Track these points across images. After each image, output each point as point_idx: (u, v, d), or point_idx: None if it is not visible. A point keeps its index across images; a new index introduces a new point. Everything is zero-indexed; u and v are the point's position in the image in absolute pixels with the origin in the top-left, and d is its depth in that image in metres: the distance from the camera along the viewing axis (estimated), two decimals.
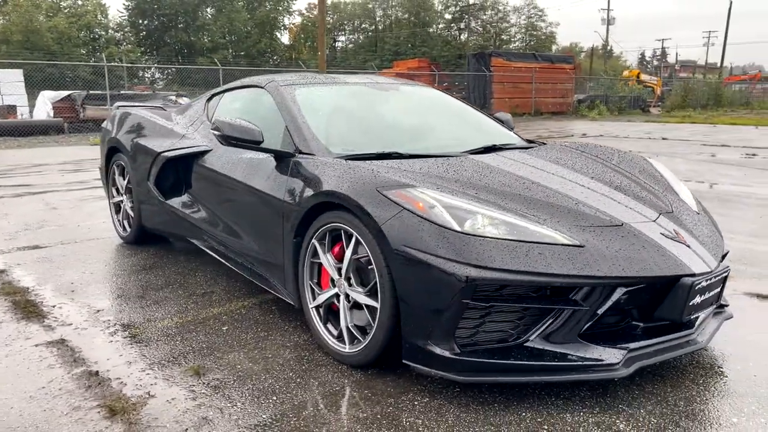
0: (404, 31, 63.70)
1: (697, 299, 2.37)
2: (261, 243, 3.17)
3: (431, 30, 64.75)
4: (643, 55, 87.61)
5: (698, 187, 7.36)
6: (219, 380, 2.51)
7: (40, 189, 7.38)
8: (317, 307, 2.80)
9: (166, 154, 3.94)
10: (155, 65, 48.29)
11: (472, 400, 2.34)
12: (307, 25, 64.46)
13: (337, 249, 2.69)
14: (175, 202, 4.01)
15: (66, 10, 50.29)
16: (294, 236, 2.84)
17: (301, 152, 3.05)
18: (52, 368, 2.61)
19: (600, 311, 2.27)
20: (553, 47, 66.87)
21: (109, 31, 54.18)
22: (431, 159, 3.00)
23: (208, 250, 3.80)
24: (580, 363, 2.25)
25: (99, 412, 2.26)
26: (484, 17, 65.26)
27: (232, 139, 3.06)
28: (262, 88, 3.70)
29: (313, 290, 2.82)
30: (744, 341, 2.87)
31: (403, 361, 2.38)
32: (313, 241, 2.74)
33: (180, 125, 4.26)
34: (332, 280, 2.70)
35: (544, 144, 3.75)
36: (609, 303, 2.27)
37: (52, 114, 16.57)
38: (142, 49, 53.96)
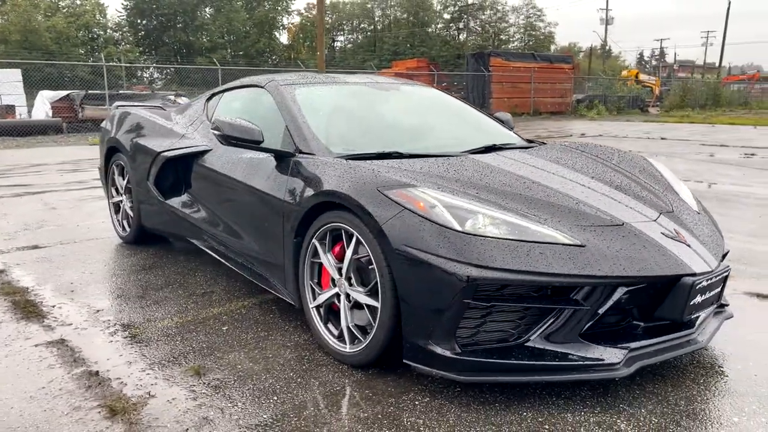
0: (403, 30, 63.70)
1: (698, 299, 2.37)
2: (261, 243, 3.17)
3: (430, 30, 64.76)
4: (641, 54, 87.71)
5: (697, 186, 7.36)
6: (219, 380, 2.50)
7: (38, 189, 7.38)
8: (318, 307, 2.80)
9: (165, 153, 3.94)
10: (154, 65, 48.24)
11: (473, 400, 2.34)
12: (305, 24, 64.45)
13: (337, 249, 2.68)
14: (175, 201, 4.00)
15: (64, 10, 50.24)
16: (294, 236, 2.83)
17: (301, 152, 3.05)
18: (52, 368, 2.61)
19: (601, 311, 2.27)
20: (552, 47, 66.90)
21: (108, 30, 54.11)
22: (431, 159, 3.00)
23: (208, 250, 3.80)
24: (581, 363, 2.25)
25: (99, 412, 2.25)
26: (483, 17, 65.28)
27: (232, 138, 3.06)
28: (261, 87, 3.70)
29: (313, 290, 2.82)
30: (744, 341, 2.88)
31: (404, 360, 2.38)
32: (314, 240, 2.74)
33: (179, 125, 4.26)
34: (333, 280, 2.70)
35: (544, 144, 3.75)
36: (610, 302, 2.27)
37: (50, 114, 16.56)
38: (141, 48, 53.92)
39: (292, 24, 65.63)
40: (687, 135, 15.70)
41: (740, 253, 4.30)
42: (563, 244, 2.28)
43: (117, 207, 4.80)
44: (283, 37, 65.44)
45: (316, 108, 3.44)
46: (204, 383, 2.48)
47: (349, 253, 2.56)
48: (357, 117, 3.63)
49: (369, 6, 68.18)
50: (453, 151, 3.24)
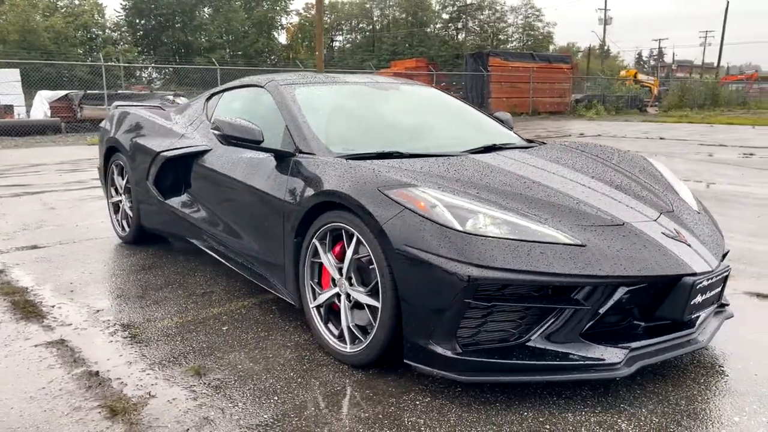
0: (402, 30, 63.69)
1: (699, 298, 2.38)
2: (261, 243, 3.17)
3: (429, 30, 64.73)
4: (639, 54, 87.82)
5: (696, 186, 7.37)
6: (220, 380, 2.50)
7: (37, 189, 7.37)
8: (318, 307, 2.79)
9: (165, 153, 3.93)
10: (152, 65, 48.18)
11: (473, 400, 2.34)
12: (304, 24, 64.40)
13: (337, 249, 2.68)
14: (175, 201, 4.00)
15: (63, 10, 50.15)
16: (294, 236, 2.83)
17: (301, 152, 3.05)
18: (52, 368, 2.60)
19: (602, 310, 2.27)
20: (551, 47, 66.93)
21: (106, 30, 54.02)
22: (432, 158, 2.99)
23: (207, 250, 3.80)
24: (582, 362, 2.25)
25: (100, 412, 2.25)
26: (482, 17, 65.29)
27: (233, 138, 3.06)
28: (262, 87, 3.69)
29: (313, 290, 2.81)
30: (744, 340, 2.88)
31: (405, 360, 2.38)
32: (314, 240, 2.74)
33: (179, 125, 4.25)
34: (333, 280, 2.69)
35: (544, 143, 3.75)
36: (611, 302, 2.27)
37: (49, 114, 16.54)
38: (139, 48, 53.86)
39: (290, 24, 65.59)
40: (685, 135, 15.71)
41: (740, 253, 4.30)
42: (564, 244, 2.28)
43: (116, 207, 4.80)
44: (282, 37, 65.44)
45: (316, 108, 3.44)
46: (204, 383, 2.48)
47: (349, 253, 2.56)
48: (357, 117, 3.63)
49: (368, 6, 68.18)
50: (453, 150, 3.24)
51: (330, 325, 2.75)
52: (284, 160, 3.05)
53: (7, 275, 3.90)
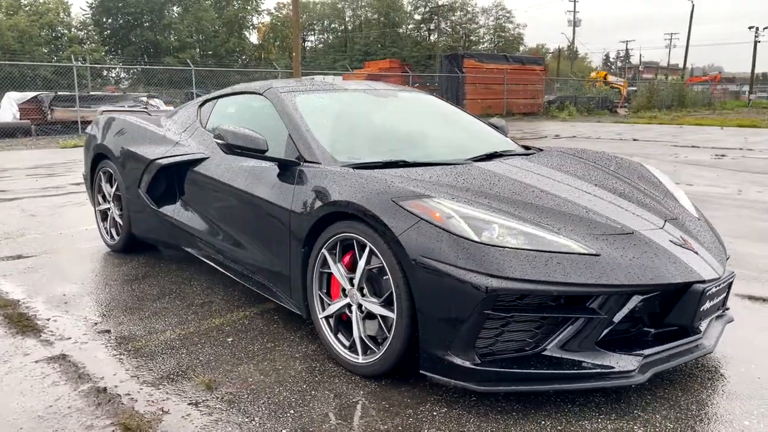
0: (374, 31, 63.66)
1: (707, 305, 2.43)
2: (264, 252, 3.13)
3: (401, 30, 64.84)
4: (607, 56, 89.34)
5: None
6: (232, 394, 2.47)
7: (13, 195, 7.17)
8: (327, 317, 2.77)
9: (160, 161, 3.86)
10: (120, 65, 47.25)
11: (490, 409, 2.35)
12: (276, 24, 63.95)
13: (347, 259, 2.67)
14: (169, 209, 3.93)
15: (27, 8, 48.93)
16: (302, 246, 2.81)
17: (305, 161, 3.02)
18: (56, 385, 2.53)
19: (616, 319, 2.31)
20: (521, 48, 67.66)
21: (72, 29, 52.88)
22: (437, 167, 3.00)
23: (204, 259, 3.74)
24: (598, 371, 2.28)
25: (114, 430, 2.20)
26: (454, 18, 65.65)
27: (236, 147, 3.02)
28: (260, 94, 3.65)
29: (322, 300, 2.79)
30: (743, 343, 2.95)
31: (421, 371, 2.38)
32: (323, 250, 2.71)
33: (172, 131, 4.18)
34: (343, 290, 2.68)
35: (542, 150, 3.79)
36: (625, 311, 2.31)
37: (18, 116, 16.10)
38: (107, 48, 52.80)
39: (262, 24, 65.05)
40: (657, 136, 16.05)
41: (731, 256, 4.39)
42: (579, 254, 2.31)
43: (104, 215, 4.69)
44: (253, 37, 64.88)
45: (318, 116, 3.41)
46: (217, 397, 2.44)
47: (361, 263, 2.55)
48: (359, 125, 3.62)
49: (340, 6, 67.98)
50: (456, 158, 3.25)
51: (340, 336, 2.73)
52: (289, 170, 3.03)
53: None
